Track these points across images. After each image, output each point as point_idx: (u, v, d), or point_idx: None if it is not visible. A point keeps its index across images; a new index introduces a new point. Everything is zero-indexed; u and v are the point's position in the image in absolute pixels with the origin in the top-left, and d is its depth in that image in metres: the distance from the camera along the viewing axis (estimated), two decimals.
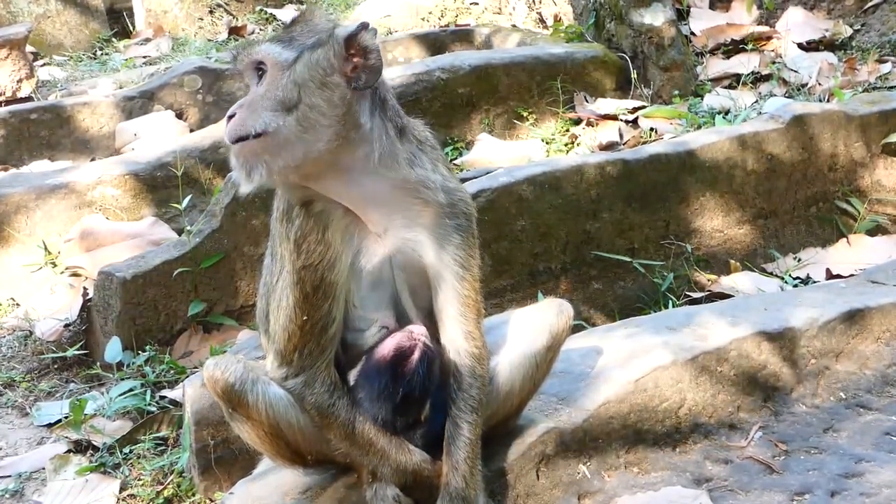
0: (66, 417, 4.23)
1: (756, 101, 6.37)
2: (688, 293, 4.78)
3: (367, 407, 2.74)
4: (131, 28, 11.10)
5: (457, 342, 2.76)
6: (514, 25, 8.96)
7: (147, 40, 10.60)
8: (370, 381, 2.73)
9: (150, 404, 4.23)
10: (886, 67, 6.64)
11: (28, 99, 7.98)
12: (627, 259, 4.83)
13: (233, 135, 2.50)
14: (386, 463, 2.76)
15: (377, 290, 2.73)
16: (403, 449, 2.77)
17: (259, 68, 2.56)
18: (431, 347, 2.73)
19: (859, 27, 7.30)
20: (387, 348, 2.72)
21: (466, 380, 2.77)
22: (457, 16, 9.63)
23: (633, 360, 3.37)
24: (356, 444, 2.75)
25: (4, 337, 4.98)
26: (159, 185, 5.73)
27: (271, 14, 11.59)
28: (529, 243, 4.72)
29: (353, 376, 2.79)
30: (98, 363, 4.65)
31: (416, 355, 2.70)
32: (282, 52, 2.54)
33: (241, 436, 2.89)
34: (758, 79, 6.81)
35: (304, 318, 2.64)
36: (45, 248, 5.38)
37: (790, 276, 4.89)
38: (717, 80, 6.90)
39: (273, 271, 2.78)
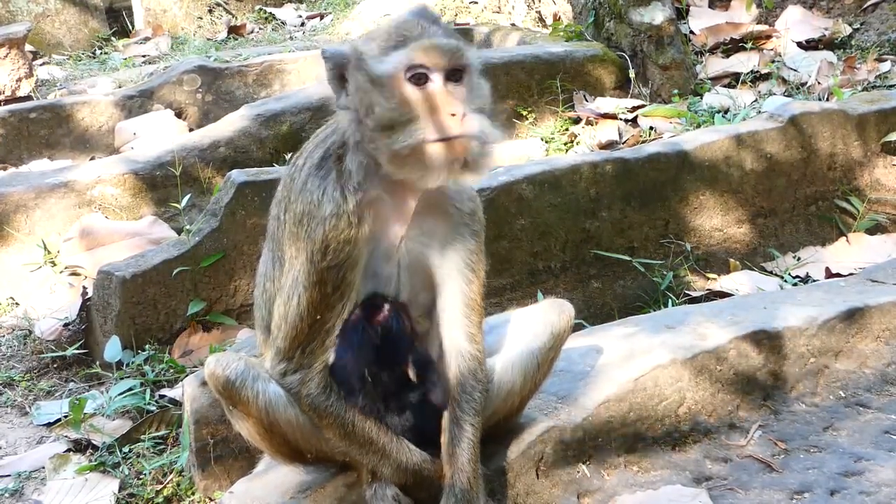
0: (65, 416, 4.22)
1: (755, 100, 6.37)
2: (687, 292, 4.78)
3: (350, 367, 2.71)
4: (130, 27, 11.11)
5: (459, 344, 2.79)
6: (513, 24, 8.96)
7: (146, 39, 10.62)
8: (348, 339, 2.71)
9: (149, 403, 4.23)
10: (886, 66, 6.64)
11: (27, 98, 7.98)
12: (627, 258, 4.83)
13: (472, 132, 2.53)
14: (386, 462, 2.76)
15: (380, 289, 2.75)
16: (403, 448, 2.77)
17: (458, 69, 2.57)
18: (398, 304, 2.75)
19: (858, 26, 7.30)
20: (357, 310, 2.73)
21: (469, 382, 2.79)
22: (456, 14, 9.64)
23: (632, 359, 3.37)
24: (355, 442, 2.75)
25: (4, 336, 4.98)
26: (159, 184, 5.73)
27: (270, 13, 11.60)
28: (529, 242, 4.72)
29: (331, 355, 2.76)
30: (97, 362, 4.64)
31: (387, 306, 2.72)
32: (474, 57, 2.62)
33: (240, 433, 2.90)
34: (757, 77, 6.81)
35: (318, 316, 2.66)
36: (45, 248, 5.38)
37: (789, 274, 4.89)
38: (716, 79, 6.90)
39: (275, 276, 2.78)
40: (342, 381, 2.74)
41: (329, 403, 2.71)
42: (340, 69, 2.61)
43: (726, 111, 6.24)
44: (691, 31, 7.48)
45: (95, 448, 4.04)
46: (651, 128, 6.24)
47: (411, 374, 2.75)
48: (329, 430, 2.75)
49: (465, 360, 2.79)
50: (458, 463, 2.75)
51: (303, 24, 11.32)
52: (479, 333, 2.81)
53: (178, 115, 7.27)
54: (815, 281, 4.75)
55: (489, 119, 2.60)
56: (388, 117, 2.54)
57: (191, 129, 7.02)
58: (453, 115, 2.50)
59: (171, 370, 4.45)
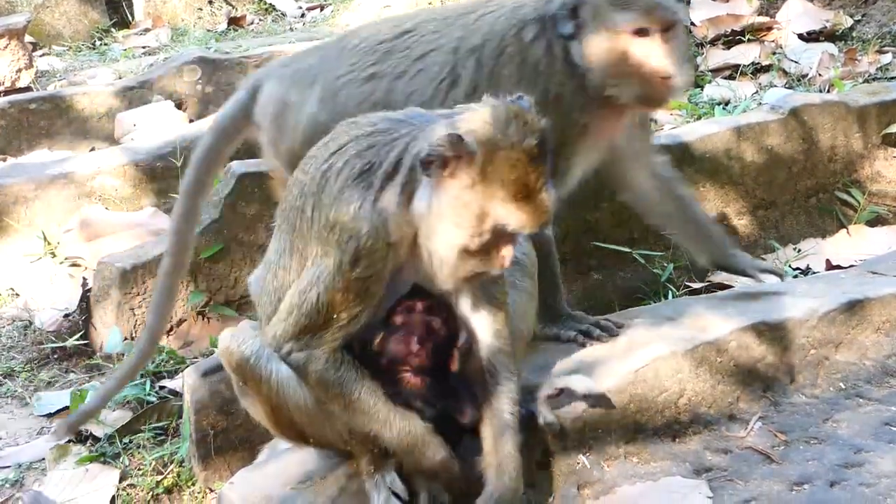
0: (66, 407, 4.23)
1: (756, 92, 6.36)
2: (688, 283, 4.78)
3: (395, 352, 2.79)
4: (130, 18, 11.08)
5: (489, 342, 2.83)
6: None
7: (146, 30, 10.59)
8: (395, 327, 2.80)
9: (149, 394, 4.24)
10: (887, 58, 6.63)
11: (27, 89, 7.96)
12: (627, 249, 4.82)
13: None
14: (387, 429, 2.74)
15: (395, 294, 2.78)
16: (406, 416, 2.76)
17: None
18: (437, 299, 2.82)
19: (859, 18, 7.29)
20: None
21: (503, 374, 2.84)
22: None
23: (632, 351, 3.37)
24: (358, 411, 2.74)
25: (4, 327, 4.99)
26: (159, 176, 5.72)
27: (270, 4, 11.56)
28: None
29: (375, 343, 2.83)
30: (98, 353, 4.65)
31: (423, 299, 2.80)
32: None
33: (247, 409, 2.93)
34: (758, 69, 6.80)
35: (335, 315, 2.67)
36: (45, 239, 5.37)
37: (790, 266, 4.89)
38: (717, 71, 6.89)
39: (291, 266, 2.78)
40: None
41: (339, 376, 2.71)
42: None
43: (727, 103, 6.23)
44: (692, 23, 7.45)
45: (96, 439, 4.05)
46: (652, 119, 6.22)
47: (454, 364, 2.84)
48: (333, 402, 2.75)
49: (497, 357, 2.83)
50: (506, 452, 2.79)
51: (303, 16, 11.29)
52: (504, 328, 2.84)
53: (178, 106, 7.26)
54: (815, 273, 4.75)
55: None
56: None
57: (191, 121, 7.02)
58: None
59: (171, 361, 4.46)
